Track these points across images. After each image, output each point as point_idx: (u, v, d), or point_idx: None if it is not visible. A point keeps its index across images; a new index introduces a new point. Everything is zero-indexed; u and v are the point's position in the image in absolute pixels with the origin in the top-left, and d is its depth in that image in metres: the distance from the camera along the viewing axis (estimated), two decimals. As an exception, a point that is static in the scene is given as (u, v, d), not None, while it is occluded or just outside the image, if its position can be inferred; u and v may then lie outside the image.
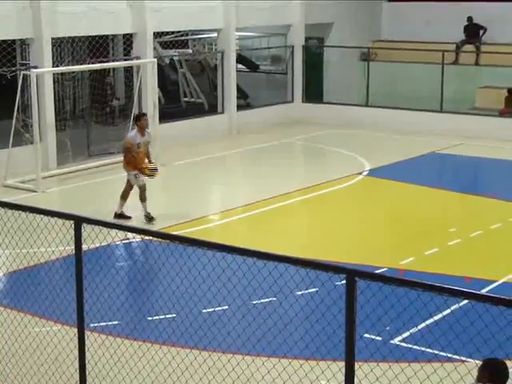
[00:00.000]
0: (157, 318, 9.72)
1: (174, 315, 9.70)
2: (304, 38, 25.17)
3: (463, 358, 8.31)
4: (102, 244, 11.50)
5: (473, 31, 25.51)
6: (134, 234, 10.71)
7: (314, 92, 25.56)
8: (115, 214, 13.96)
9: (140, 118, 14.21)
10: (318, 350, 7.97)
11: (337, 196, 16.10)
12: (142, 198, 13.94)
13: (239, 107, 23.47)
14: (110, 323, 9.41)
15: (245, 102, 25.00)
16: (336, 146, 21.04)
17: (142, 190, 13.94)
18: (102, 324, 9.23)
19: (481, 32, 25.46)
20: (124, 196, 14.06)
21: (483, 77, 24.03)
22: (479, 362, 5.11)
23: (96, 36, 20.31)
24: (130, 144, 13.93)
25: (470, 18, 25.48)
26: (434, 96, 23.22)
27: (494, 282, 10.92)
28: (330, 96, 25.50)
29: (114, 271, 10.94)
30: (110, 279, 9.65)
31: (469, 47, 25.34)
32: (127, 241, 12.32)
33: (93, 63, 19.78)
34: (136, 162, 13.92)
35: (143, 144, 14.02)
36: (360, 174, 17.67)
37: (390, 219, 14.44)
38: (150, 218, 13.86)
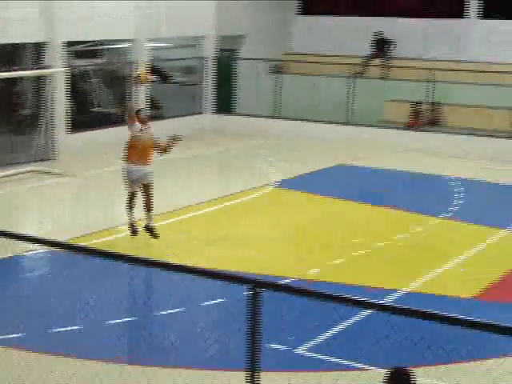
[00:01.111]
0: (61, 329, 9.59)
1: (79, 327, 9.60)
2: (216, 49, 25.32)
3: (366, 367, 8.50)
4: (4, 256, 11.32)
5: (381, 45, 26.15)
6: (38, 245, 10.56)
7: (225, 103, 25.70)
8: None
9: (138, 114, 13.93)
10: (222, 359, 8.02)
11: (245, 207, 16.20)
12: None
13: (151, 118, 23.34)
14: (12, 336, 9.25)
15: (157, 112, 24.92)
16: (246, 157, 21.18)
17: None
18: (3, 337, 9.06)
19: (389, 46, 26.12)
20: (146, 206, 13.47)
21: (390, 90, 24.57)
22: (382, 370, 5.22)
23: (5, 44, 19.97)
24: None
25: (378, 33, 26.09)
26: (343, 108, 23.67)
27: (399, 291, 11.17)
28: (241, 107, 25.68)
29: (17, 283, 10.76)
30: (14, 291, 9.50)
31: (377, 61, 25.93)
32: (31, 252, 12.13)
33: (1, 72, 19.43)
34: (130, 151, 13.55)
35: (146, 138, 13.65)
36: (270, 185, 17.83)
37: (298, 230, 14.60)
38: (134, 230, 13.50)
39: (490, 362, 8.72)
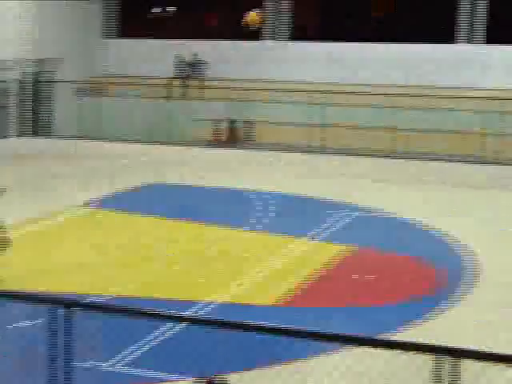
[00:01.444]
0: None
1: None
2: (27, 72, 25.01)
3: (180, 378, 8.73)
4: None
5: (191, 67, 26.75)
6: None
7: (37, 126, 25.47)
8: None
9: None
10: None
11: (57, 228, 16.03)
12: None
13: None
14: None
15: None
16: (57, 179, 20.86)
17: None
18: None
19: (194, 68, 26.74)
20: None
21: (198, 110, 25.20)
22: (196, 380, 5.46)
23: None
24: None
25: (188, 55, 26.70)
26: (153, 128, 24.03)
27: (208, 302, 11.41)
28: (51, 130, 25.51)
29: None
30: None
31: (188, 82, 26.51)
32: None
33: None
34: None
35: None
36: (82, 205, 17.70)
37: (110, 248, 14.57)
38: None
39: (298, 363, 9.18)
